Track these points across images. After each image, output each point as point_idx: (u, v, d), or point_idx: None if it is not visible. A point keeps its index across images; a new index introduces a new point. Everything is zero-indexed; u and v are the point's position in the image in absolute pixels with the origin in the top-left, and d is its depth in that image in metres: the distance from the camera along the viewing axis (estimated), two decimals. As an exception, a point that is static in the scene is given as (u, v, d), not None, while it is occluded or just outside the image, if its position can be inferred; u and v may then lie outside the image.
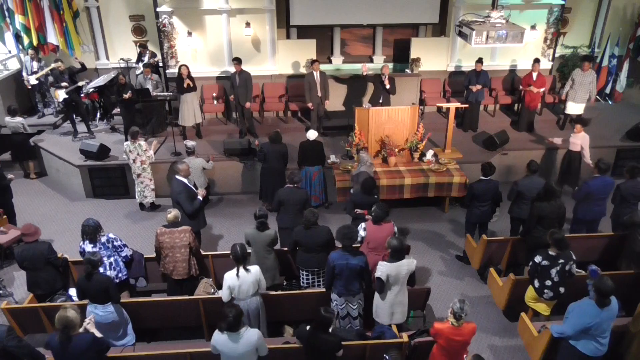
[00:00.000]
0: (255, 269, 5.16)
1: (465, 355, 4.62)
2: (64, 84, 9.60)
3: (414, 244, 7.69)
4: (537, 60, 9.83)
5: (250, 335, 4.35)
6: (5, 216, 7.62)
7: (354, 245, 5.36)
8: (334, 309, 5.41)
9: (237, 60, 9.30)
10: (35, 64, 10.29)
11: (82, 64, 10.27)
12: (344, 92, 10.41)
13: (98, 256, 5.15)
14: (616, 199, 6.79)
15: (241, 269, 5.07)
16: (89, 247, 5.70)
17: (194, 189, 6.75)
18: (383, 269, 5.09)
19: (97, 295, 5.10)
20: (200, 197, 6.71)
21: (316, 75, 9.50)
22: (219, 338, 4.35)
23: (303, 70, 10.61)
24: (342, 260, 5.15)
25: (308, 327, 4.58)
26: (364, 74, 9.82)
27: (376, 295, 5.32)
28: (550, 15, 10.63)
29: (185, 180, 6.66)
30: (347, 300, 5.32)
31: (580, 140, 8.24)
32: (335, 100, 10.19)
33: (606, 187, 6.79)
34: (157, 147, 9.31)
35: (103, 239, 5.73)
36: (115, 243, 5.82)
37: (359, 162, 7.51)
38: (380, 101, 9.49)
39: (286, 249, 6.26)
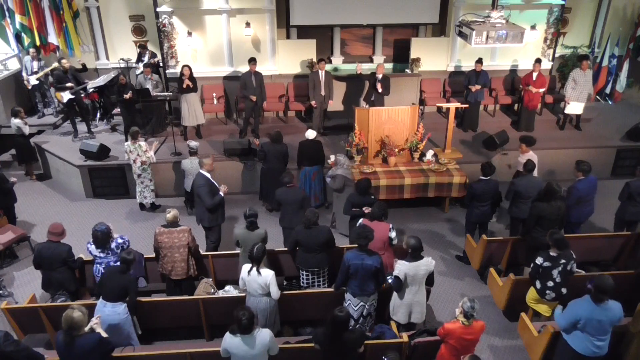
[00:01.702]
0: (267, 274, 5.16)
1: (462, 357, 4.63)
2: (69, 84, 9.59)
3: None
4: (538, 61, 9.84)
5: (263, 335, 4.36)
6: (5, 216, 7.63)
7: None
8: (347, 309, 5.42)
9: (254, 61, 9.33)
10: (35, 64, 10.29)
11: (84, 65, 10.29)
12: (342, 92, 10.41)
13: (132, 255, 5.23)
14: (624, 196, 6.80)
15: (253, 270, 5.12)
16: (96, 251, 5.71)
17: (216, 184, 6.78)
18: (401, 267, 5.12)
19: (112, 292, 5.10)
20: (221, 193, 6.74)
21: (321, 74, 9.52)
22: (232, 341, 4.32)
23: (303, 71, 10.60)
24: (357, 260, 5.14)
25: (323, 329, 4.53)
26: (358, 72, 9.83)
27: (394, 294, 5.33)
28: (550, 15, 10.63)
29: (209, 175, 6.69)
30: (362, 301, 5.31)
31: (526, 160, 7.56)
32: (335, 100, 10.19)
33: (592, 187, 6.81)
34: (157, 148, 9.32)
35: (112, 245, 5.73)
36: (124, 247, 5.82)
37: (336, 164, 7.45)
38: (372, 99, 9.47)
39: (284, 248, 6.26)
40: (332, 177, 7.42)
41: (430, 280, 5.32)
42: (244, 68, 9.82)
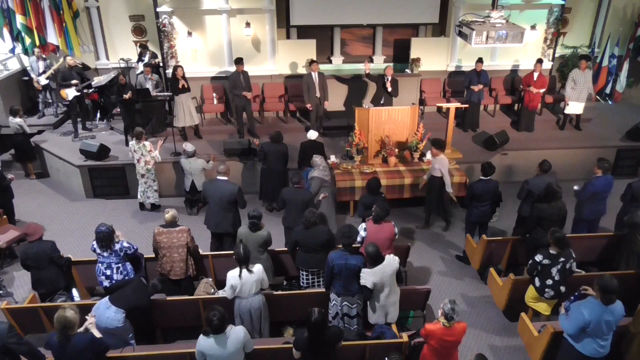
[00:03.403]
0: (257, 268, 5.18)
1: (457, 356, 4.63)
2: (74, 81, 9.59)
3: (414, 244, 7.70)
4: (539, 61, 9.84)
5: (237, 333, 4.35)
6: (5, 216, 7.63)
7: (353, 246, 5.36)
8: (331, 309, 5.42)
9: (241, 61, 9.35)
10: (41, 64, 10.29)
11: (84, 64, 10.26)
12: (344, 93, 10.40)
13: (158, 287, 5.41)
14: (627, 197, 6.79)
15: (244, 270, 5.09)
16: (99, 251, 5.71)
17: None
18: (367, 276, 5.08)
19: (125, 301, 5.09)
20: None
21: (315, 75, 9.49)
22: (206, 343, 4.31)
23: (303, 70, 10.61)
24: (341, 260, 5.15)
25: (305, 334, 4.53)
26: (367, 71, 9.71)
27: (367, 302, 5.33)
28: (550, 15, 10.63)
29: (227, 179, 6.73)
30: (346, 301, 5.32)
31: (438, 165, 7.42)
32: (336, 101, 10.18)
33: (609, 185, 6.81)
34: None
35: (117, 247, 5.71)
36: (128, 252, 5.81)
37: (313, 165, 7.36)
38: (382, 102, 9.43)
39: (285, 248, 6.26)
40: (309, 181, 7.31)
41: (399, 277, 5.31)
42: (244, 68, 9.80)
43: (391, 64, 10.36)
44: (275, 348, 4.93)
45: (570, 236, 6.43)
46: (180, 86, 9.22)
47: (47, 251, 5.74)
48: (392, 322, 5.42)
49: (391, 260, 5.18)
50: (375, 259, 5.07)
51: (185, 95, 9.39)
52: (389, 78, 9.35)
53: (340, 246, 5.45)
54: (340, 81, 10.31)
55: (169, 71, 10.39)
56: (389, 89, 9.36)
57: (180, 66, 9.33)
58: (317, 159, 7.32)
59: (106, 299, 5.15)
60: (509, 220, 7.92)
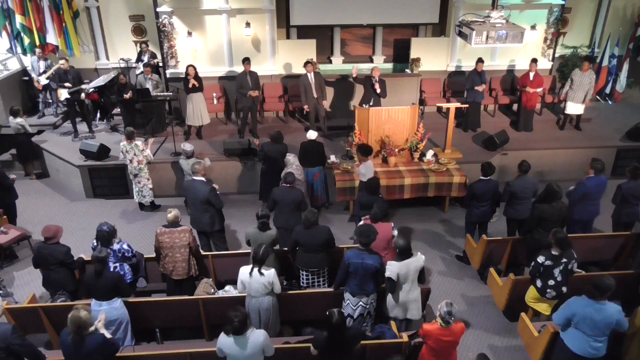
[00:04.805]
0: (269, 272, 5.16)
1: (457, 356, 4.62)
2: (67, 84, 9.59)
3: (414, 244, 7.68)
4: (534, 60, 9.83)
5: (257, 336, 4.35)
6: (5, 216, 7.63)
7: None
8: (345, 309, 5.40)
9: (248, 61, 9.34)
10: (42, 64, 10.29)
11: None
12: (330, 95, 10.23)
13: (104, 253, 5.20)
14: (617, 198, 6.79)
15: (255, 270, 5.11)
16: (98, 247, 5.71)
17: None
18: (392, 268, 5.12)
19: (105, 293, 5.12)
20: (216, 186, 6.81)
21: (310, 76, 9.44)
22: (226, 341, 4.34)
23: (303, 70, 10.58)
24: (357, 259, 5.14)
25: (324, 334, 4.51)
26: (354, 75, 9.65)
27: (389, 294, 5.34)
28: (550, 15, 10.63)
29: (204, 180, 6.70)
30: (361, 300, 5.31)
31: (364, 170, 7.31)
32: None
33: (601, 186, 6.78)
34: (157, 148, 9.32)
35: (116, 247, 5.72)
36: (126, 254, 5.82)
37: (286, 164, 7.34)
38: (371, 104, 9.34)
39: (285, 248, 6.25)
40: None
41: (421, 276, 5.33)
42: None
43: (377, 65, 10.27)
44: (275, 348, 4.92)
45: (572, 236, 6.44)
46: (190, 85, 9.23)
47: (59, 256, 5.74)
48: (413, 319, 5.44)
49: (417, 258, 5.22)
50: (403, 253, 5.11)
51: (197, 94, 9.41)
52: (377, 79, 9.30)
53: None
54: (326, 84, 10.13)
55: (169, 71, 10.42)
56: (377, 90, 9.32)
57: (192, 65, 9.34)
58: (290, 157, 7.43)
59: (93, 300, 5.18)
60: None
